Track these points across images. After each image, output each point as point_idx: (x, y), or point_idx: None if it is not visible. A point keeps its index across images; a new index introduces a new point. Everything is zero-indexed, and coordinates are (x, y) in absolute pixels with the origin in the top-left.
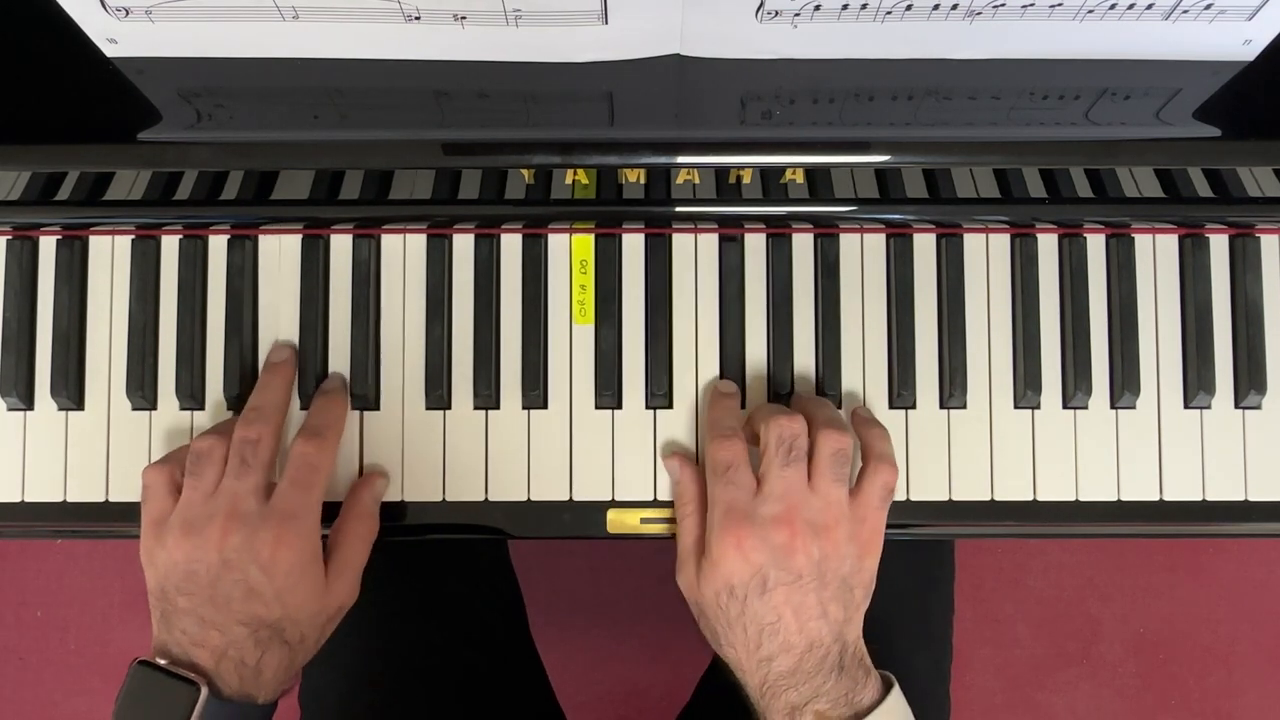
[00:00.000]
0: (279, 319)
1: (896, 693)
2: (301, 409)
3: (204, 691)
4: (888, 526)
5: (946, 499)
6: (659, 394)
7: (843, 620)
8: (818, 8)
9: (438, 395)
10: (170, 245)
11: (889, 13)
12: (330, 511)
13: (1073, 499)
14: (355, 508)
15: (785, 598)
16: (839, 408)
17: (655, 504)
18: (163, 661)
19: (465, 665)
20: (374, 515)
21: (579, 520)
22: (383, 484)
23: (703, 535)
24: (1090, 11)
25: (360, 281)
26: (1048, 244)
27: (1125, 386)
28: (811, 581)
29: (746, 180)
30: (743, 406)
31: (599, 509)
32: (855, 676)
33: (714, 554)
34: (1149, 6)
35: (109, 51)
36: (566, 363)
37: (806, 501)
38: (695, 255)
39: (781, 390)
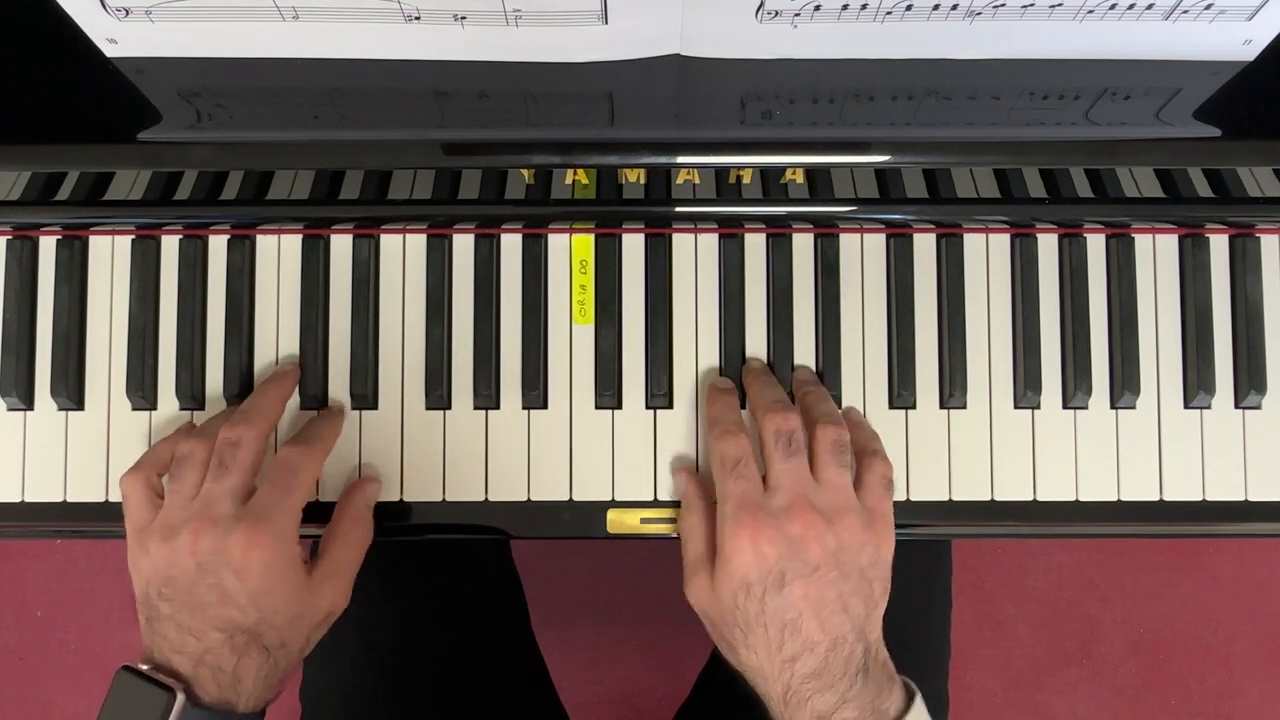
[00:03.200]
0: (279, 319)
1: (919, 703)
2: (301, 408)
3: (180, 698)
4: None
5: (946, 499)
6: (659, 394)
7: (864, 616)
8: (818, 8)
9: (438, 395)
10: (170, 245)
11: (889, 13)
12: (325, 512)
13: (1073, 499)
14: (348, 511)
15: (804, 592)
16: (838, 407)
17: (655, 504)
18: (144, 667)
19: (468, 664)
20: (367, 520)
21: (579, 520)
22: (375, 488)
23: (711, 541)
24: (1090, 11)
25: (360, 281)
26: (1048, 244)
27: (1125, 386)
28: (830, 573)
29: (746, 180)
30: (742, 407)
31: (599, 509)
32: (880, 682)
33: (727, 550)
34: (1149, 6)
35: (109, 51)
36: (566, 363)
37: (815, 491)
38: (695, 255)
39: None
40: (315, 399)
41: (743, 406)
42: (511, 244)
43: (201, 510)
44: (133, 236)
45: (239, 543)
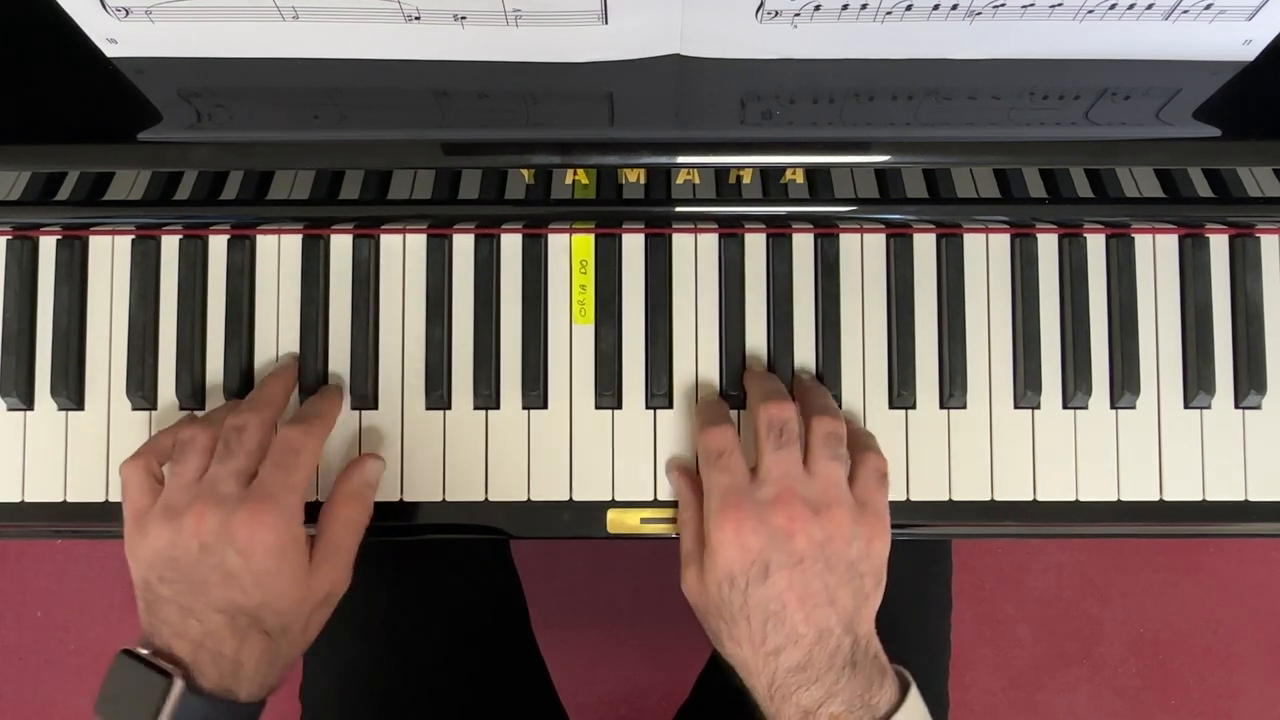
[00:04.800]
0: (279, 319)
1: (914, 694)
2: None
3: (178, 683)
4: None
5: (946, 499)
6: (659, 394)
7: (853, 609)
8: (818, 8)
9: (438, 395)
10: (170, 245)
11: (889, 13)
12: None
13: (1073, 499)
14: (344, 489)
15: (788, 583)
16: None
17: (655, 504)
18: (143, 651)
19: (467, 664)
20: (364, 499)
21: (579, 520)
22: (375, 466)
23: (701, 534)
24: (1090, 11)
25: (360, 281)
26: (1048, 244)
27: (1125, 386)
28: (815, 564)
29: (746, 180)
30: (743, 405)
31: (599, 509)
32: (870, 676)
33: (713, 542)
34: (1149, 6)
35: (109, 51)
36: (566, 363)
37: (804, 483)
38: (695, 255)
39: None
40: None
41: (742, 405)
42: (511, 244)
43: (206, 491)
44: (133, 236)
45: (244, 522)
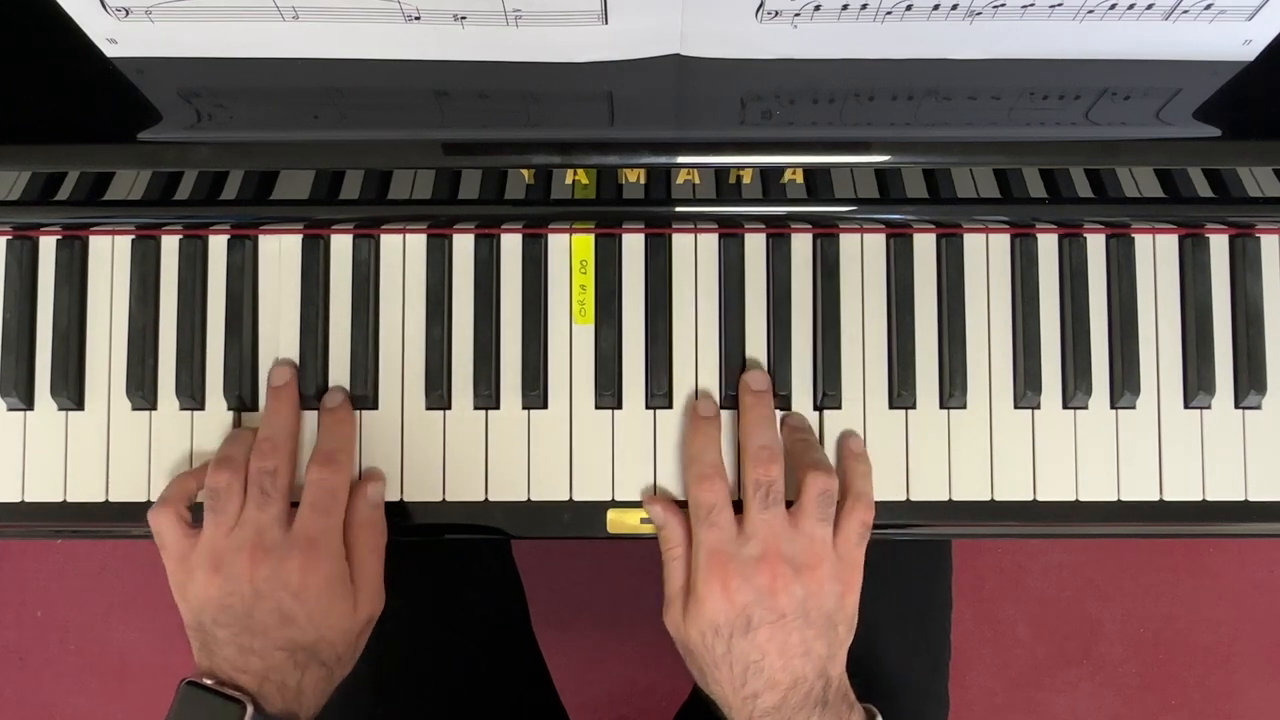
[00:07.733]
0: (279, 319)
1: None
2: (303, 409)
3: (250, 710)
4: (888, 526)
5: (946, 499)
6: (659, 394)
7: (826, 656)
8: (818, 8)
9: (438, 395)
10: (170, 245)
11: (889, 13)
12: None
13: (1073, 499)
14: (354, 519)
15: (769, 636)
16: (838, 408)
17: None
18: (209, 682)
19: (468, 663)
20: (376, 521)
21: (579, 520)
22: (376, 488)
23: (690, 575)
24: (1090, 11)
25: (360, 281)
26: (1048, 244)
27: (1125, 386)
28: (795, 620)
29: (746, 180)
30: (735, 405)
31: (599, 509)
32: (839, 711)
33: (699, 594)
34: (1149, 6)
35: (109, 51)
36: (566, 363)
37: (788, 542)
38: (695, 255)
39: (781, 391)
40: (315, 401)
41: (736, 407)
42: (511, 244)
43: (254, 539)
44: (133, 236)
45: (296, 569)
